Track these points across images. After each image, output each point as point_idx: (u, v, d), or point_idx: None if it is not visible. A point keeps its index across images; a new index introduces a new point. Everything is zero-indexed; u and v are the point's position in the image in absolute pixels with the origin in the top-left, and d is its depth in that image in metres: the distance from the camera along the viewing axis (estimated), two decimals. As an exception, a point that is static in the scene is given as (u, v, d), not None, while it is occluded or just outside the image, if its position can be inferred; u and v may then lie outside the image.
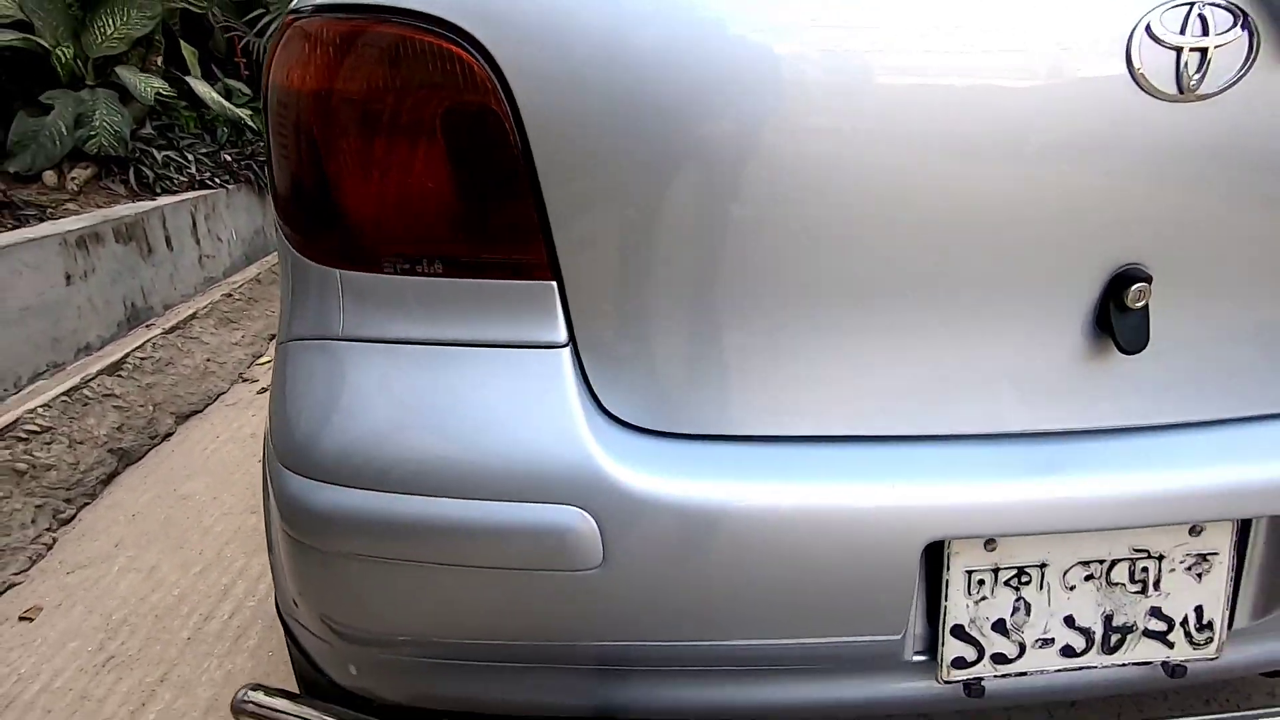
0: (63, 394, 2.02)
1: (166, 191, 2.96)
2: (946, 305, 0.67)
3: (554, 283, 0.65)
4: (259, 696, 0.77)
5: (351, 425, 0.66)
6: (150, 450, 2.18)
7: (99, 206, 2.67)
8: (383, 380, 0.67)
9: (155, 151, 3.01)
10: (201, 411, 2.48)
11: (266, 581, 1.62)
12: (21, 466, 1.79)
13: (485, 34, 0.59)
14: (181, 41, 3.56)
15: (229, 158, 3.41)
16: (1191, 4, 0.58)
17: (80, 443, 1.98)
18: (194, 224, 2.99)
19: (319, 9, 0.64)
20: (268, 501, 0.77)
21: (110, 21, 2.95)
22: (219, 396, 2.60)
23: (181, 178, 3.08)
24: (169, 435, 2.30)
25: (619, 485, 0.63)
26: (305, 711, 0.77)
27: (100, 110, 2.80)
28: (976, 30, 0.59)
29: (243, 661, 1.39)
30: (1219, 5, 0.58)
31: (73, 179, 2.74)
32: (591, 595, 0.66)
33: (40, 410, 1.93)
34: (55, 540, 1.76)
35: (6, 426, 1.81)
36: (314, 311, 0.70)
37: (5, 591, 1.58)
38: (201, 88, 3.38)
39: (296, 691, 0.88)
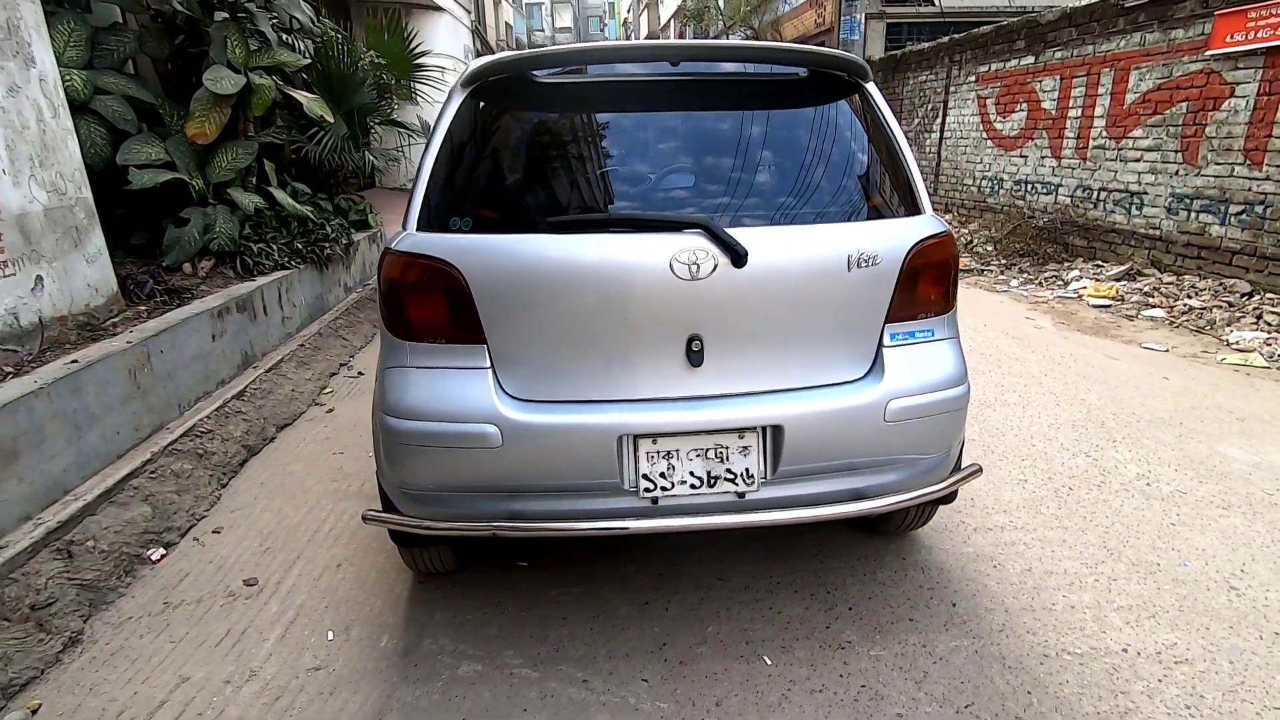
0: (214, 409, 3.21)
1: (261, 273, 4.21)
2: (632, 350, 1.81)
3: (484, 345, 1.80)
4: (372, 513, 1.91)
5: (408, 396, 1.81)
6: (264, 447, 3.36)
7: (220, 288, 3.91)
8: (421, 382, 1.82)
9: (252, 245, 4.26)
10: (291, 424, 3.65)
11: (349, 515, 2.75)
12: (200, 452, 2.96)
13: (457, 261, 1.75)
14: (264, 159, 4.85)
15: (299, 245, 4.66)
16: (691, 250, 1.73)
17: (226, 440, 3.15)
18: (279, 296, 4.23)
19: (397, 251, 1.81)
20: (375, 428, 1.91)
21: (225, 157, 4.23)
22: (300, 415, 3.78)
23: (269, 263, 4.33)
24: (273, 439, 3.47)
25: (507, 417, 1.77)
26: (388, 517, 1.91)
27: (219, 220, 4.06)
28: (629, 264, 1.74)
29: (340, 549, 2.52)
30: (700, 249, 1.73)
31: (201, 268, 3.99)
32: (499, 457, 1.78)
33: (204, 420, 3.11)
34: (220, 496, 2.92)
35: (190, 429, 2.99)
36: (396, 355, 1.86)
37: (201, 521, 2.74)
38: (280, 195, 4.65)
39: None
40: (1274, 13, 4.94)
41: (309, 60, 5.08)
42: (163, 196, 4.20)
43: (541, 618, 2.15)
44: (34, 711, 1.82)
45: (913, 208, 1.96)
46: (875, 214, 1.96)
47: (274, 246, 4.44)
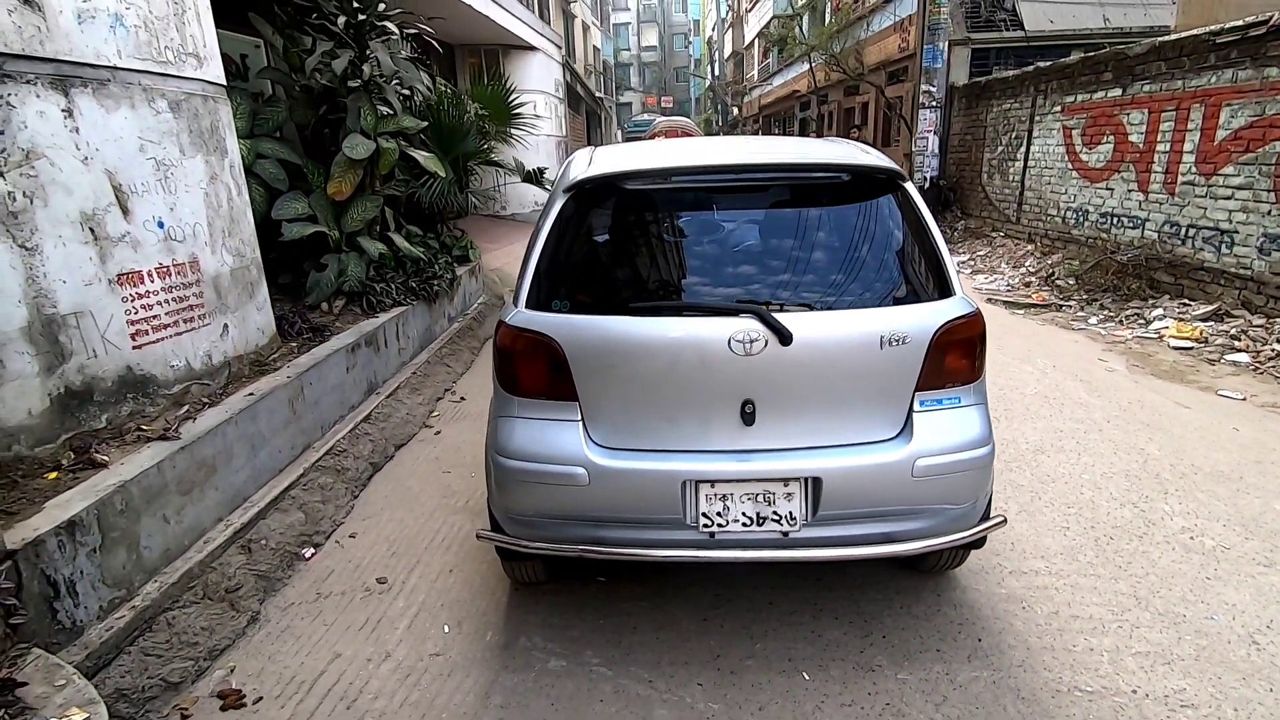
0: (348, 431, 3.82)
1: (383, 310, 4.87)
2: (696, 410, 2.21)
3: (577, 403, 2.24)
4: (484, 532, 2.39)
5: (514, 440, 2.27)
6: (386, 463, 3.95)
7: (350, 324, 4.58)
8: (525, 429, 2.28)
9: (375, 285, 4.94)
10: (406, 444, 4.25)
11: (457, 527, 3.26)
12: (338, 469, 3.56)
13: (557, 335, 2.20)
14: (385, 208, 5.56)
15: (413, 284, 5.33)
16: (745, 331, 2.12)
17: (357, 458, 3.76)
18: (397, 330, 4.88)
19: (509, 325, 2.28)
20: (487, 463, 2.39)
21: (357, 210, 4.94)
22: (414, 436, 4.38)
23: (388, 300, 4.99)
24: (391, 457, 4.06)
25: (594, 461, 2.20)
26: (496, 536, 2.38)
27: (350, 265, 4.75)
28: (694, 341, 2.14)
29: (451, 556, 3.03)
30: (753, 330, 2.11)
31: (335, 307, 4.68)
32: (586, 493, 2.21)
33: (341, 440, 3.73)
34: (353, 506, 3.51)
35: (331, 448, 3.60)
36: (506, 407, 2.33)
37: (340, 527, 3.32)
38: (399, 240, 5.34)
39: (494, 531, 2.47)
40: (1374, 53, 4.81)
41: (427, 123, 5.77)
42: (305, 243, 4.94)
43: (616, 625, 2.56)
44: (231, 670, 2.39)
45: (944, 290, 2.26)
46: (912, 297, 2.27)
47: (393, 286, 5.11)
